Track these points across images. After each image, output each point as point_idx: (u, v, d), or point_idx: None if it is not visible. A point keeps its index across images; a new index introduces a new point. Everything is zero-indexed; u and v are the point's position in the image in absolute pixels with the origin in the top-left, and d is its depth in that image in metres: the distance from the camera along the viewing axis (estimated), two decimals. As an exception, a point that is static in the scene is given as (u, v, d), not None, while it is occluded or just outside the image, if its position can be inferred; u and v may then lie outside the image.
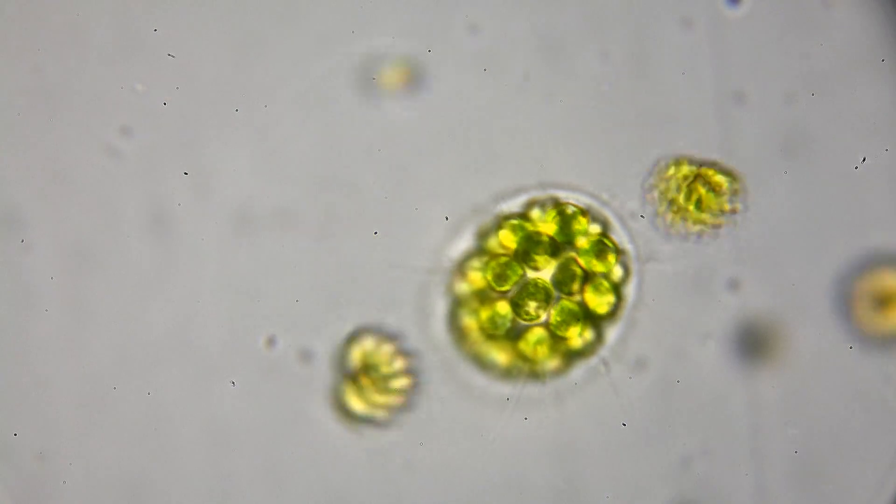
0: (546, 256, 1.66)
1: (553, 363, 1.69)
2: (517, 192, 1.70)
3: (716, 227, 1.67)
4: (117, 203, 1.70)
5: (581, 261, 1.67)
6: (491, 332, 1.68)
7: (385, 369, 1.66)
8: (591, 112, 1.70)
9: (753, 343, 1.70)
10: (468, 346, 1.70)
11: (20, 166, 1.70)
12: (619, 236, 1.69)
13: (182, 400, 1.69)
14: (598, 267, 1.67)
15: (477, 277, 1.69)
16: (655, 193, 1.64)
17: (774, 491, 1.70)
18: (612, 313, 1.69)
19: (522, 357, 1.69)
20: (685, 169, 1.65)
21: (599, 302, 1.67)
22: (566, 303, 1.66)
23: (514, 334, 1.68)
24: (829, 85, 1.71)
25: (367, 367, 1.66)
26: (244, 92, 1.70)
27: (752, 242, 1.71)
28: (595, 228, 1.69)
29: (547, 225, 1.68)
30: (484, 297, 1.69)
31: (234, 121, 1.70)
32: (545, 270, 1.67)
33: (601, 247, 1.67)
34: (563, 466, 1.71)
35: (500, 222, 1.69)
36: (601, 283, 1.67)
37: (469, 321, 1.70)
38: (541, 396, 1.70)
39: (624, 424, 1.71)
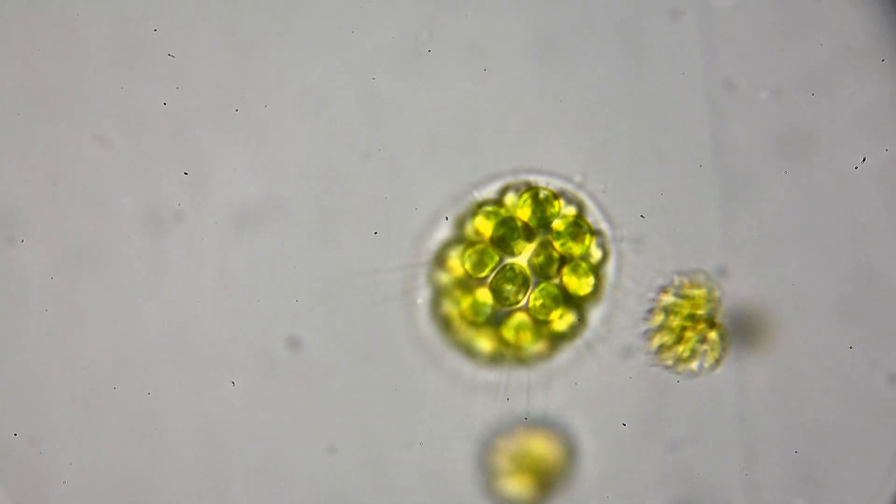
0: (522, 241, 1.66)
1: (538, 347, 1.70)
2: (491, 178, 1.71)
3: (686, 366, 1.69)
4: (116, 203, 1.70)
5: (557, 244, 1.67)
6: (473, 320, 1.69)
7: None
8: (579, 101, 1.70)
9: (743, 332, 1.70)
10: (452, 335, 1.70)
11: (19, 166, 1.70)
12: (594, 217, 1.70)
13: (181, 400, 1.69)
14: (574, 249, 1.67)
15: (456, 266, 1.69)
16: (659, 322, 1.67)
17: (774, 491, 1.70)
18: (594, 294, 1.69)
19: (506, 343, 1.69)
20: (686, 311, 1.67)
21: (579, 284, 1.67)
22: (545, 286, 1.67)
23: (496, 321, 1.69)
24: (826, 82, 1.71)
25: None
26: (244, 92, 1.70)
27: (752, 243, 1.71)
28: (570, 211, 1.69)
29: (521, 210, 1.69)
30: (464, 285, 1.69)
31: (234, 121, 1.70)
32: (522, 255, 1.67)
33: (576, 229, 1.67)
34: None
35: (474, 209, 1.70)
36: (579, 265, 1.67)
37: (451, 310, 1.70)
38: (528, 382, 1.70)
39: (624, 424, 1.71)
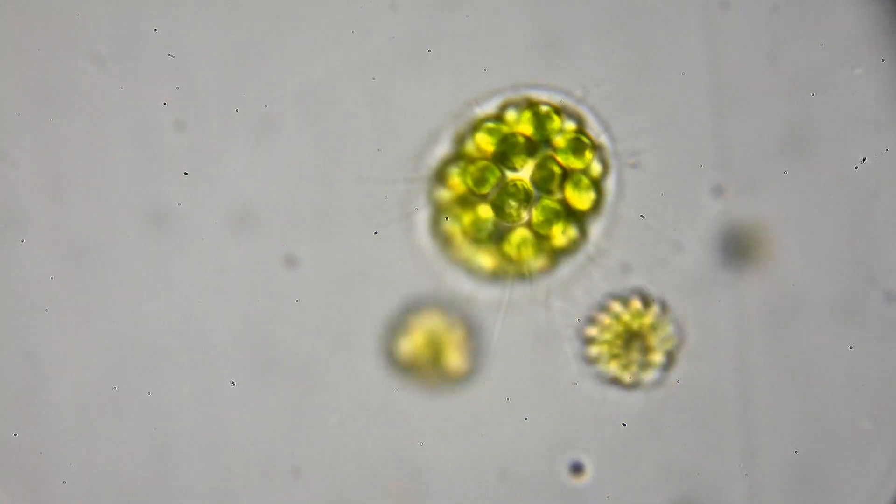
0: (523, 157, 1.66)
1: (539, 263, 1.70)
2: (491, 94, 1.71)
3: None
4: (116, 203, 1.70)
5: (559, 158, 1.67)
6: (475, 237, 1.69)
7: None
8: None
9: (737, 248, 1.71)
10: (453, 252, 1.70)
11: (20, 167, 1.70)
12: (595, 132, 1.70)
13: (182, 399, 1.70)
14: (575, 163, 1.67)
15: (457, 183, 1.69)
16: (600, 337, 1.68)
17: (774, 491, 1.70)
18: (595, 208, 1.69)
19: (508, 259, 1.69)
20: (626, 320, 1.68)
21: (581, 198, 1.67)
22: (547, 201, 1.67)
23: (497, 237, 1.69)
24: (825, 82, 1.71)
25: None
26: (244, 92, 1.70)
27: (753, 248, 1.71)
28: (570, 126, 1.69)
29: (522, 125, 1.69)
30: (465, 201, 1.69)
31: (234, 120, 1.70)
32: (524, 171, 1.68)
33: (577, 143, 1.67)
34: (563, 466, 1.71)
35: (475, 126, 1.70)
36: (581, 180, 1.67)
37: (452, 227, 1.70)
38: (531, 299, 1.70)
39: (624, 424, 1.71)
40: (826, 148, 1.71)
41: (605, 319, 1.67)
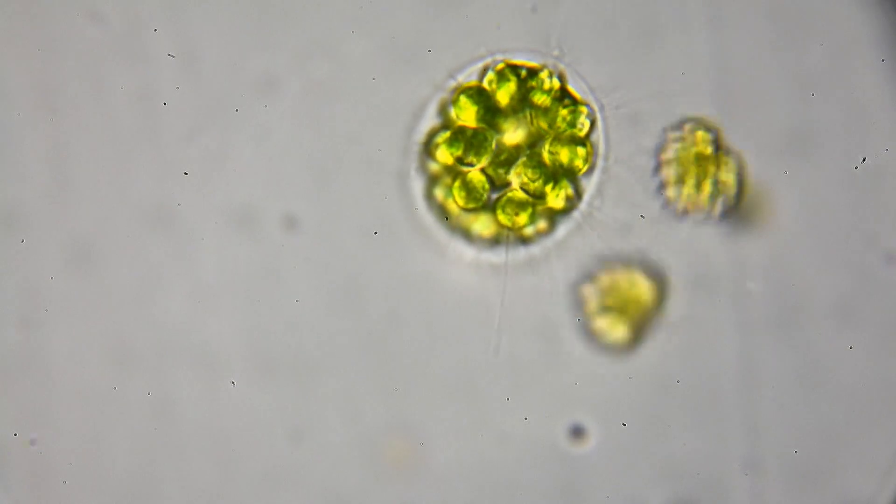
0: (510, 122, 1.66)
1: (538, 226, 1.70)
2: (468, 62, 1.70)
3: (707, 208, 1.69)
4: (116, 203, 1.70)
5: (546, 121, 1.67)
6: (470, 206, 1.68)
7: None
8: None
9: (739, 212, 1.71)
10: (451, 222, 1.70)
11: (21, 167, 1.70)
12: (579, 88, 1.69)
13: (182, 399, 1.70)
14: (563, 124, 1.67)
15: (446, 154, 1.69)
16: (670, 165, 1.66)
17: (775, 490, 1.71)
18: (586, 166, 1.69)
19: (505, 225, 1.69)
20: (700, 147, 1.66)
21: (573, 158, 1.67)
22: (538, 164, 1.66)
23: (493, 204, 1.69)
24: (826, 82, 1.71)
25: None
26: (244, 92, 1.70)
27: (758, 251, 1.72)
28: (554, 83, 1.69)
29: (505, 91, 1.68)
30: (457, 171, 1.69)
31: (234, 120, 1.70)
32: (512, 135, 1.67)
33: (562, 103, 1.67)
34: (563, 468, 1.72)
35: (457, 95, 1.69)
36: (571, 140, 1.67)
37: (447, 198, 1.70)
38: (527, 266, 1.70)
39: (624, 424, 1.71)
40: (826, 148, 1.71)
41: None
